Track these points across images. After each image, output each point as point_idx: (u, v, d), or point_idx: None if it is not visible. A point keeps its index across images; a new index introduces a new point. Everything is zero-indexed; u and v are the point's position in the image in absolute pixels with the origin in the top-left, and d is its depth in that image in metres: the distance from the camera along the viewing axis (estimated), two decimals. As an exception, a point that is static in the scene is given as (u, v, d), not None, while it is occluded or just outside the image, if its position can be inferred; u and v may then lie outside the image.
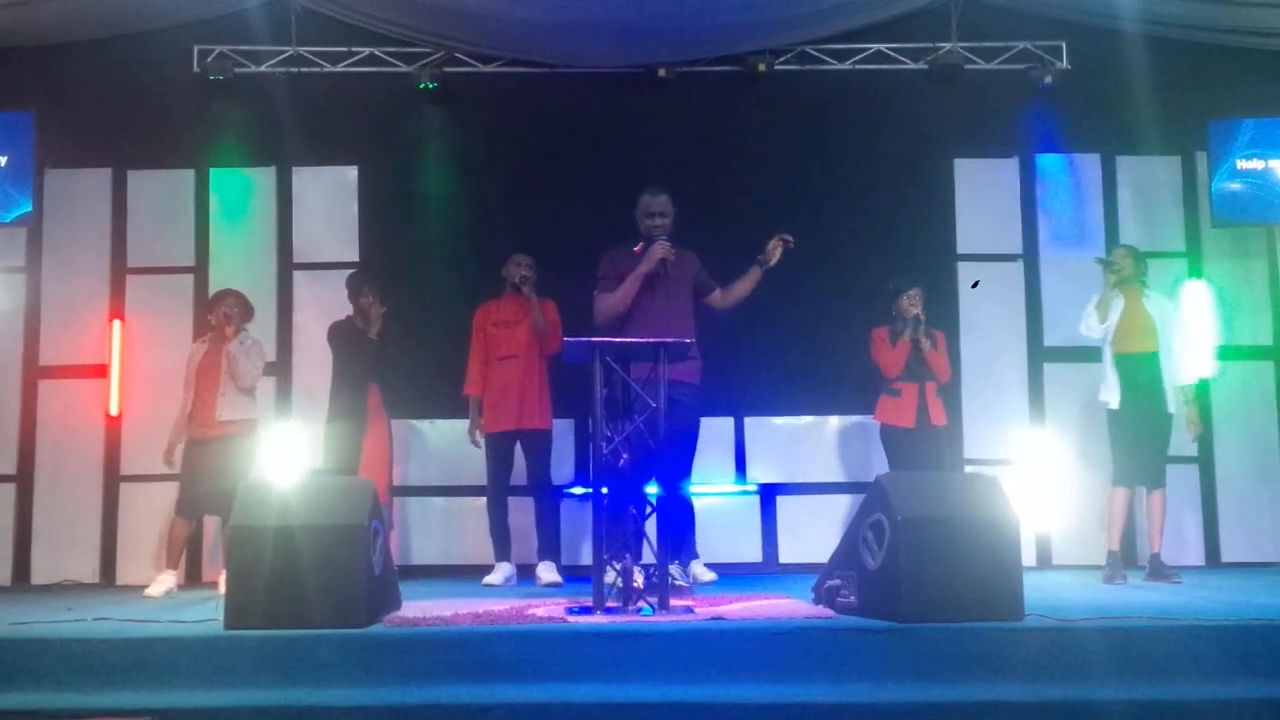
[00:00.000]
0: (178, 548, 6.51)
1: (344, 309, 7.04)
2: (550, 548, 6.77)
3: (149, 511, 7.51)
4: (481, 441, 6.77)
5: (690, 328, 5.78)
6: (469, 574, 6.93)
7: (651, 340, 4.93)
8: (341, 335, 6.89)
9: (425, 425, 7.70)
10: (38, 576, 7.52)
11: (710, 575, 6.47)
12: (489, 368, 6.73)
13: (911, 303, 6.80)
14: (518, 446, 6.73)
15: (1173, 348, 6.52)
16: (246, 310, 6.74)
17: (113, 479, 7.69)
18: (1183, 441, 6.73)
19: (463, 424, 6.95)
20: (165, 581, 6.36)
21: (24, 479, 7.69)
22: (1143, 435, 6.44)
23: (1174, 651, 4.04)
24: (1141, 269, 6.63)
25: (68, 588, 7.21)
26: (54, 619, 4.74)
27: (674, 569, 5.42)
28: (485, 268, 7.12)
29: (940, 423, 6.85)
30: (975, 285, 7.84)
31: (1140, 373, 6.45)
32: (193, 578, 7.32)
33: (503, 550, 6.71)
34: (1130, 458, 6.47)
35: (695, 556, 6.60)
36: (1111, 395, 6.49)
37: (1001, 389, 7.83)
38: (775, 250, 5.91)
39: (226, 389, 6.53)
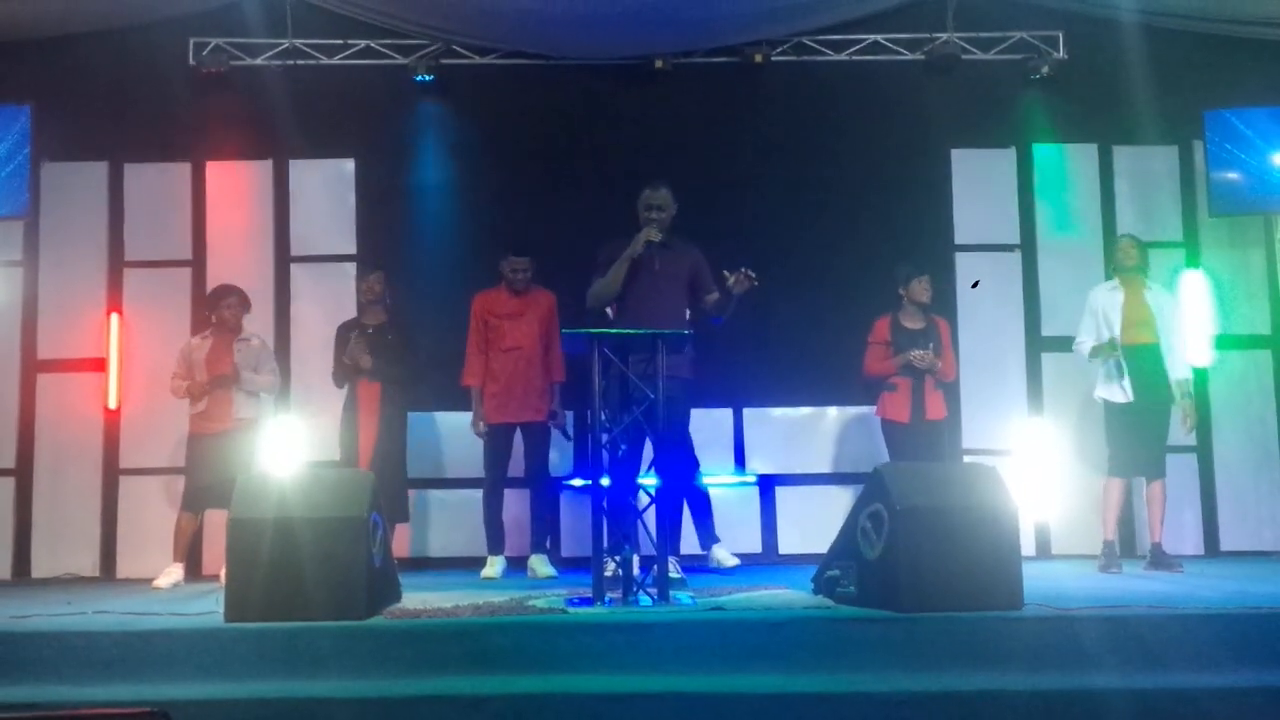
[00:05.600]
0: (185, 541, 6.59)
1: (341, 301, 7.03)
2: (545, 540, 6.81)
3: (148, 505, 7.50)
4: (484, 431, 6.77)
5: (681, 321, 5.74)
6: (466, 567, 6.92)
7: (649, 331, 4.94)
8: (340, 329, 6.89)
9: (419, 417, 7.58)
10: (38, 570, 7.51)
11: (733, 560, 6.60)
12: (491, 358, 6.70)
13: (923, 288, 6.81)
14: (517, 437, 6.75)
15: (1171, 341, 6.59)
16: (246, 305, 6.80)
17: (112, 472, 7.67)
18: (1178, 431, 6.75)
19: (458, 416, 6.97)
20: (173, 574, 6.49)
21: (23, 473, 7.67)
22: (1146, 427, 6.49)
23: (1172, 640, 4.06)
24: (1144, 260, 6.71)
25: (67, 581, 7.20)
26: (54, 612, 4.76)
27: (671, 561, 5.42)
28: (483, 259, 7.11)
29: (937, 416, 6.82)
30: (975, 285, 7.84)
31: (1144, 364, 6.49)
32: (193, 571, 7.31)
33: (496, 543, 6.71)
34: (1130, 450, 6.51)
35: (716, 540, 6.75)
36: (1113, 390, 6.51)
37: (1000, 379, 7.83)
38: (740, 282, 5.51)
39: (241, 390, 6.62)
